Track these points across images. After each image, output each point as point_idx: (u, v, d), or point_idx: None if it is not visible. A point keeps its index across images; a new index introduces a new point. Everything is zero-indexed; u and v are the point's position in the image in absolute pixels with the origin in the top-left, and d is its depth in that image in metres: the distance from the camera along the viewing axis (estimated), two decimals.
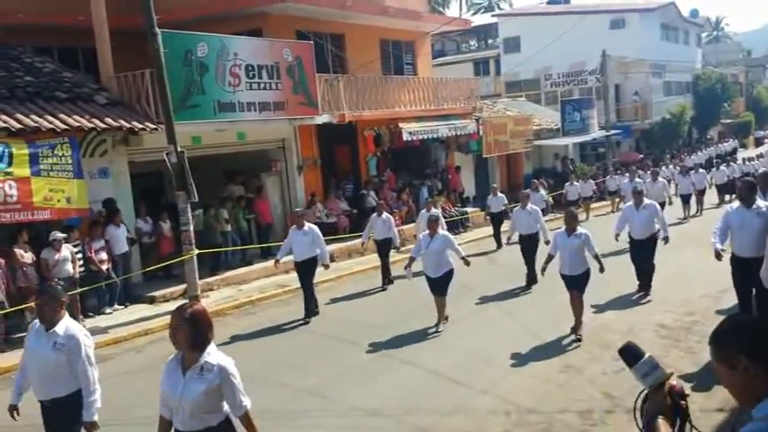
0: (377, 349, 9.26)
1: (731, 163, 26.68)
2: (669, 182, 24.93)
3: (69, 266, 11.37)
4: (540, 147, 27.61)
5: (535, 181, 20.34)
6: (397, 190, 20.08)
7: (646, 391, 2.59)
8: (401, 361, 8.70)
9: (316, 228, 11.38)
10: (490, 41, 46.82)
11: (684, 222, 19.87)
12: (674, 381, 2.57)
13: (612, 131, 31.70)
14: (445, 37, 42.82)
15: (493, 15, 49.42)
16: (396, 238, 13.84)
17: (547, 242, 11.77)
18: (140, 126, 12.88)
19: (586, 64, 34.29)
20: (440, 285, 9.82)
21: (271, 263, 15.16)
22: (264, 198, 16.71)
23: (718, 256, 8.23)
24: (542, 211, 17.27)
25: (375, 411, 7.06)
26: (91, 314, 12.07)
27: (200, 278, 12.71)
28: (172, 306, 12.26)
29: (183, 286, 12.81)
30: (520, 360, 8.28)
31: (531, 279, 12.11)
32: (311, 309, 11.32)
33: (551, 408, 6.81)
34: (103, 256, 12.29)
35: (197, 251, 12.51)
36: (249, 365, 7.37)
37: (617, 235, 11.85)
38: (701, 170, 23.29)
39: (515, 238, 13.15)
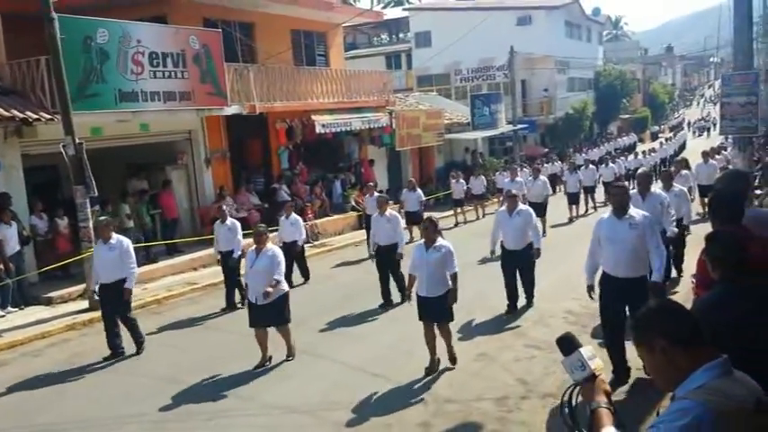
0: (297, 344, 9.05)
1: (618, 159, 26.20)
2: (559, 178, 25.31)
3: None
4: (451, 140, 27.96)
5: (412, 180, 18.50)
6: (311, 183, 19.84)
7: (575, 386, 2.58)
8: (318, 356, 8.53)
9: (126, 241, 9.14)
10: (401, 35, 47.10)
11: (570, 223, 18.81)
12: (603, 376, 2.57)
13: (519, 126, 32.51)
14: (357, 30, 42.78)
15: (404, 9, 49.75)
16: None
17: (401, 256, 10.65)
18: (35, 116, 12.10)
19: (495, 60, 35.00)
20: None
21: (177, 260, 14.72)
22: (170, 192, 16.09)
23: (589, 291, 6.95)
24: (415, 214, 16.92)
25: (293, 408, 6.88)
26: None
27: None
28: (71, 307, 11.72)
29: (83, 286, 12.15)
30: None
31: (388, 301, 10.69)
32: (116, 345, 9.07)
33: (468, 396, 6.83)
34: None
35: None
36: (158, 367, 7.06)
37: (492, 252, 10.29)
38: (591, 166, 22.29)
39: (371, 249, 11.41)
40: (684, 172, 14.28)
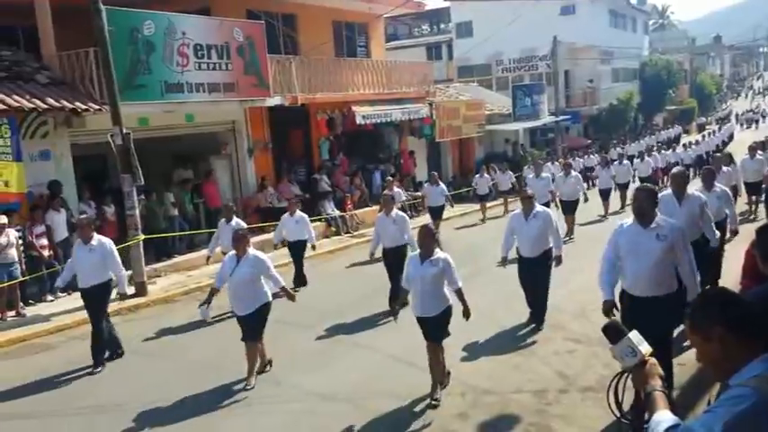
0: (330, 334, 9.17)
1: (654, 152, 24.91)
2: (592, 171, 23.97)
3: (14, 252, 10.90)
4: (491, 132, 27.78)
5: (434, 174, 17.88)
6: (350, 174, 19.94)
7: (621, 375, 2.60)
8: (356, 345, 8.63)
9: (108, 243, 8.45)
10: (442, 26, 46.83)
11: (604, 220, 17.57)
12: (654, 363, 2.57)
13: (562, 117, 32.15)
14: (398, 21, 42.59)
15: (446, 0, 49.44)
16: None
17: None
18: (84, 107, 12.41)
19: (537, 50, 34.62)
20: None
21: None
22: (213, 182, 16.36)
23: (608, 311, 5.69)
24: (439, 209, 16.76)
25: (331, 396, 6.97)
26: (32, 302, 11.62)
27: (145, 264, 12.40)
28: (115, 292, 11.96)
29: (129, 272, 12.44)
30: (474, 343, 8.28)
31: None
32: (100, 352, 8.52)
33: (506, 388, 6.82)
34: (44, 241, 11.84)
35: (143, 236, 12.19)
36: (202, 352, 7.21)
37: (504, 259, 9.03)
38: (625, 161, 21.06)
39: (379, 252, 10.29)
40: (726, 169, 13.05)
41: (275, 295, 7.61)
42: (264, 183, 17.15)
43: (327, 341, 8.95)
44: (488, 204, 20.11)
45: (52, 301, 11.79)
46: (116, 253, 8.43)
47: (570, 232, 15.22)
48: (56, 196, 12.38)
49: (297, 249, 12.06)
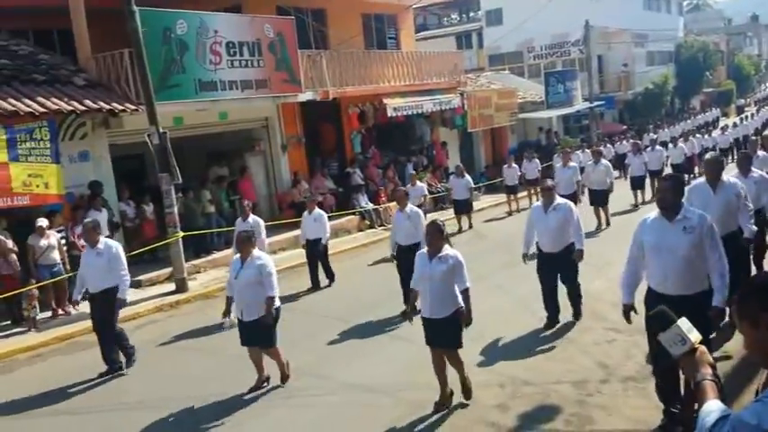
0: (367, 326, 9.23)
1: (690, 137, 24.08)
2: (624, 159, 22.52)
3: (56, 253, 11.16)
4: (524, 120, 27.53)
5: (460, 165, 17.31)
6: (383, 167, 19.96)
7: (668, 364, 2.58)
8: (393, 337, 8.67)
9: (115, 246, 8.28)
10: (472, 14, 46.48)
11: (636, 210, 16.91)
12: (703, 350, 2.53)
13: (596, 103, 31.68)
14: (427, 11, 42.42)
15: None
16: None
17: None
18: (120, 107, 12.63)
19: (569, 35, 34.15)
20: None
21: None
22: (248, 178, 16.55)
23: (627, 313, 5.46)
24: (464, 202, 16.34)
25: (370, 388, 7.02)
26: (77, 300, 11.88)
27: (185, 261, 12.60)
28: (159, 290, 12.24)
29: (170, 269, 12.69)
30: (512, 333, 8.26)
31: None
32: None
33: (546, 379, 6.80)
34: None
35: (182, 233, 12.38)
36: (239, 347, 7.31)
37: (525, 255, 8.54)
38: (657, 147, 20.12)
39: (392, 250, 9.97)
40: (762, 153, 11.99)
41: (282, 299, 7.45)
42: (298, 177, 17.28)
43: (364, 333, 9.01)
44: (519, 195, 19.46)
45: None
46: (123, 257, 8.22)
47: (606, 223, 14.94)
48: (97, 196, 12.65)
49: (317, 248, 11.77)
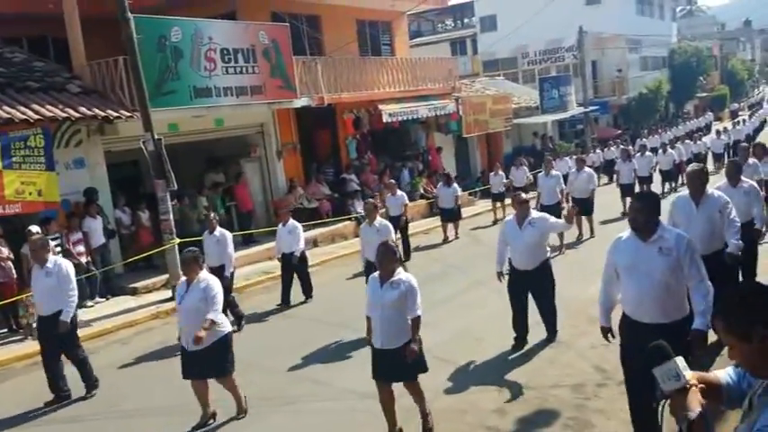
0: (363, 333, 9.17)
1: (677, 144, 23.23)
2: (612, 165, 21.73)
3: None
4: (519, 125, 27.60)
5: (448, 173, 17.16)
6: (379, 172, 19.97)
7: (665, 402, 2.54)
8: None
9: (65, 265, 7.52)
10: (466, 20, 46.64)
11: (624, 218, 15.90)
12: (695, 390, 2.48)
13: (590, 108, 31.77)
14: (421, 17, 42.60)
15: None
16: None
17: None
18: (115, 114, 12.61)
19: (563, 41, 34.29)
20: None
21: (253, 250, 15.09)
22: (244, 185, 16.53)
23: (605, 335, 5.27)
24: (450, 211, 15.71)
25: (368, 394, 6.98)
26: None
27: None
28: (155, 297, 12.20)
29: (166, 276, 12.66)
30: (509, 338, 8.25)
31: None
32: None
33: (543, 383, 6.80)
34: (82, 248, 12.07)
35: (178, 240, 12.35)
36: (238, 352, 7.27)
37: (499, 273, 8.06)
38: (647, 153, 19.54)
39: (364, 266, 9.71)
40: (752, 161, 11.04)
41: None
42: (294, 184, 17.27)
43: (360, 340, 8.98)
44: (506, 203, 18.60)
45: (92, 306, 12.02)
46: (72, 277, 7.48)
47: (590, 233, 14.35)
48: (92, 203, 12.64)
49: (291, 261, 11.10)
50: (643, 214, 4.71)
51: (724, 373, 2.61)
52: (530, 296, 7.99)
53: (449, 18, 49.09)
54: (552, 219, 8.13)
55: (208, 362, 6.38)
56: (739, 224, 6.64)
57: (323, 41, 19.19)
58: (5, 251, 10.88)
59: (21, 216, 11.45)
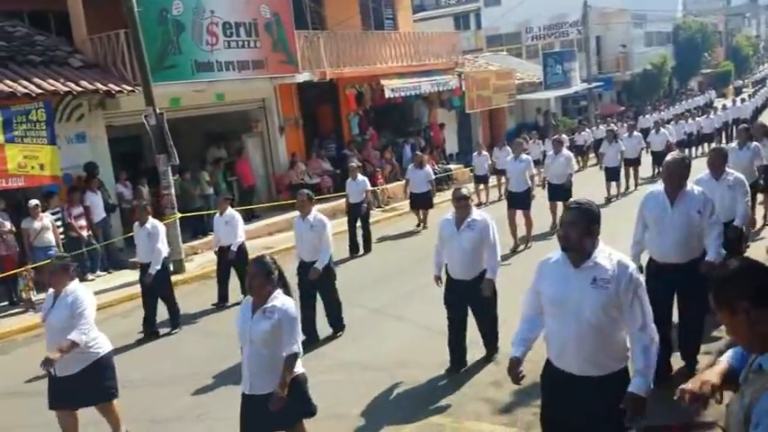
0: (368, 306, 9.28)
1: (669, 123, 22.07)
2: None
3: (50, 235, 11.17)
4: (522, 101, 27.50)
5: (419, 154, 15.48)
6: (381, 148, 19.95)
7: None
8: (392, 317, 8.73)
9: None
10: None
11: (608, 205, 14.92)
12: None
13: (594, 84, 31.67)
14: None
15: None
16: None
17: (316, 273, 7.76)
18: (117, 88, 12.60)
19: (567, 16, 34.03)
20: None
21: (254, 225, 15.14)
22: (246, 160, 16.54)
23: (511, 369, 3.98)
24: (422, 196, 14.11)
25: (368, 365, 7.09)
26: None
27: (182, 242, 12.63)
28: None
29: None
30: (509, 313, 8.27)
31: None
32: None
33: (539, 356, 6.81)
34: (83, 222, 12.13)
35: (179, 215, 12.40)
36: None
37: (437, 278, 6.85)
38: (635, 134, 18.01)
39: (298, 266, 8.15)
40: (754, 144, 9.61)
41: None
42: (295, 159, 17.27)
43: (362, 314, 9.06)
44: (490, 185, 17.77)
45: (92, 280, 12.10)
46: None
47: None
48: (93, 177, 12.66)
49: (226, 256, 9.90)
50: (576, 230, 3.56)
51: (726, 356, 2.64)
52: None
53: None
54: (494, 235, 6.48)
55: (83, 387, 5.31)
56: (722, 227, 5.66)
57: (325, 16, 19.06)
58: (7, 225, 10.94)
59: (23, 189, 11.49)
